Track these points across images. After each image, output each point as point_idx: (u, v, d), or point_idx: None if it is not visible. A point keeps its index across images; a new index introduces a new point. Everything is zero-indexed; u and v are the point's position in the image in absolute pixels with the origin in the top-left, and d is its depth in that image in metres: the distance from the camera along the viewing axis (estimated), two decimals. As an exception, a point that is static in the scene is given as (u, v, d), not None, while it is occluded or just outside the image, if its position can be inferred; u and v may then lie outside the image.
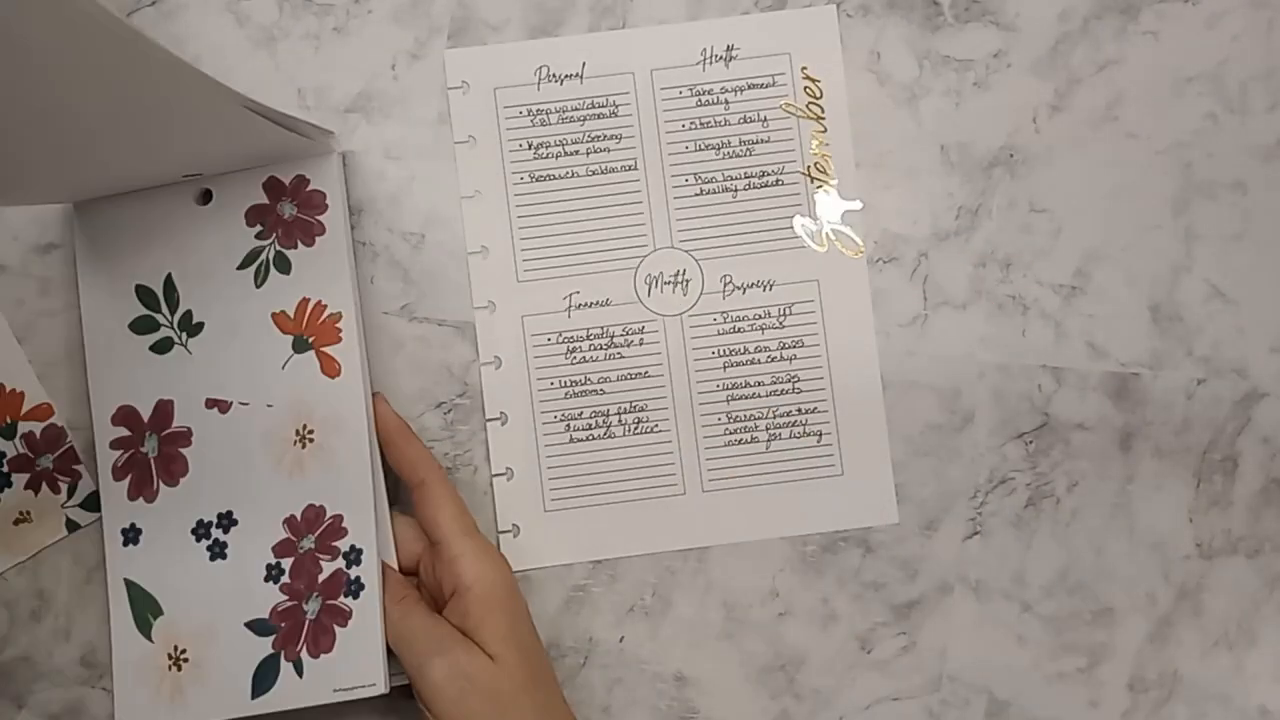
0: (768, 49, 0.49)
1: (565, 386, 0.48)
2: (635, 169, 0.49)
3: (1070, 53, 0.49)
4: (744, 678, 0.48)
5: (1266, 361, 0.49)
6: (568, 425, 0.48)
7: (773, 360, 0.49)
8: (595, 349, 0.48)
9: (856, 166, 0.49)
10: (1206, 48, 0.49)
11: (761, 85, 0.49)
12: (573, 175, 0.49)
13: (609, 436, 0.48)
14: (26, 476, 0.47)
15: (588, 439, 0.48)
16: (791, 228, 0.49)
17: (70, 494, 0.47)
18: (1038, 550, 0.49)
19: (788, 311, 0.49)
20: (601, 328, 0.48)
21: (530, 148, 0.49)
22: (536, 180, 0.49)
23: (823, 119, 0.49)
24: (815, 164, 0.49)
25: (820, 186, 0.49)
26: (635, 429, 0.48)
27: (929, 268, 0.49)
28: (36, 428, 0.47)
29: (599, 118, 0.49)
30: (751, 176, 0.49)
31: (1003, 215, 0.49)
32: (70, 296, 0.48)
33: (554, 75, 0.49)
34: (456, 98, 0.49)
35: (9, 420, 0.47)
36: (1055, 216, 0.49)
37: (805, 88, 0.49)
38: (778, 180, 0.49)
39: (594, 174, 0.49)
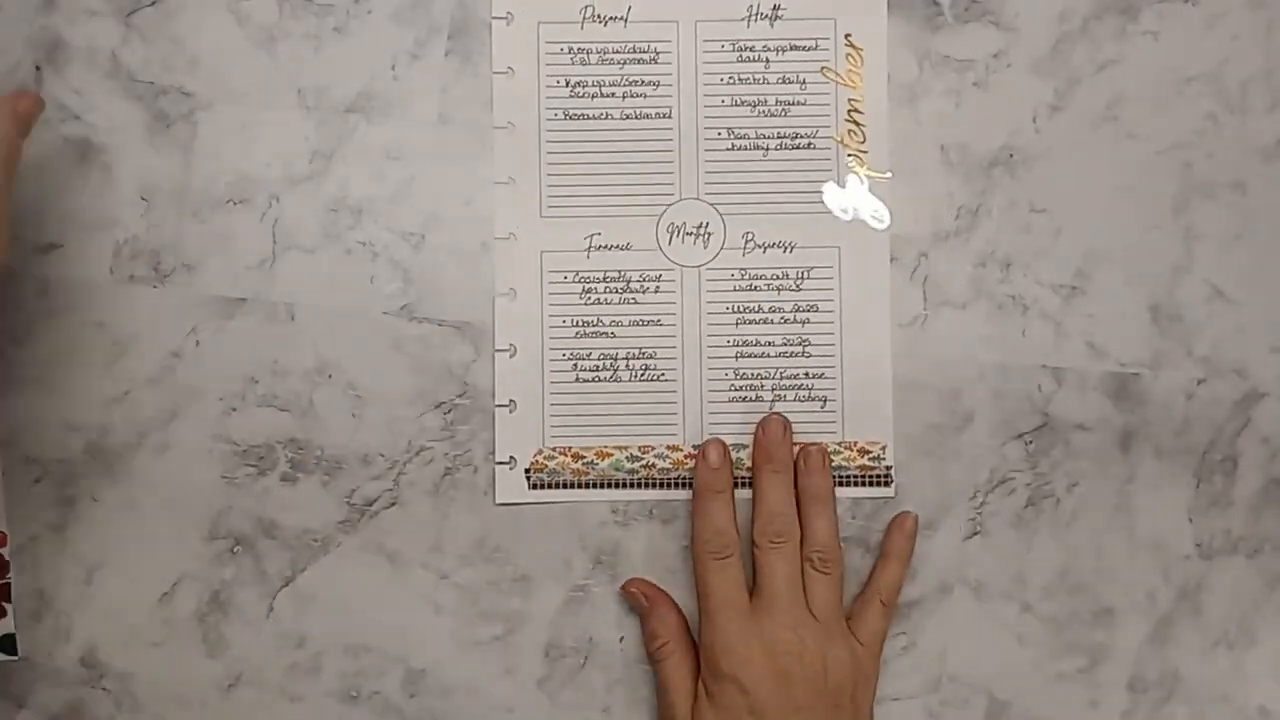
0: (813, 12, 0.49)
1: (577, 326, 0.49)
2: (669, 117, 0.49)
3: (1070, 53, 0.49)
4: (744, 678, 0.48)
5: (1266, 361, 0.49)
6: (575, 364, 0.48)
7: (786, 322, 0.49)
8: (611, 292, 0.49)
9: (889, 138, 0.49)
10: (1206, 48, 0.49)
11: (804, 48, 0.49)
12: (607, 117, 0.49)
13: (615, 380, 0.48)
14: None
15: (594, 380, 0.48)
16: (819, 192, 0.49)
17: None
18: (1038, 550, 0.49)
19: (806, 275, 0.49)
20: (619, 271, 0.49)
21: (567, 85, 0.49)
22: (570, 118, 0.49)
23: (860, 87, 0.49)
24: (849, 132, 0.49)
25: (851, 155, 0.49)
26: (642, 375, 0.48)
27: (929, 268, 0.49)
28: None
29: (639, 63, 0.49)
30: (784, 137, 0.49)
31: (1003, 215, 0.49)
32: (71, 297, 0.48)
33: (599, 16, 0.49)
34: (500, 28, 0.49)
35: None
36: (1055, 216, 0.49)
37: (847, 55, 0.49)
38: (810, 144, 0.49)
39: (628, 118, 0.49)
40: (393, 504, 0.48)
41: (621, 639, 0.49)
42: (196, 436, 0.48)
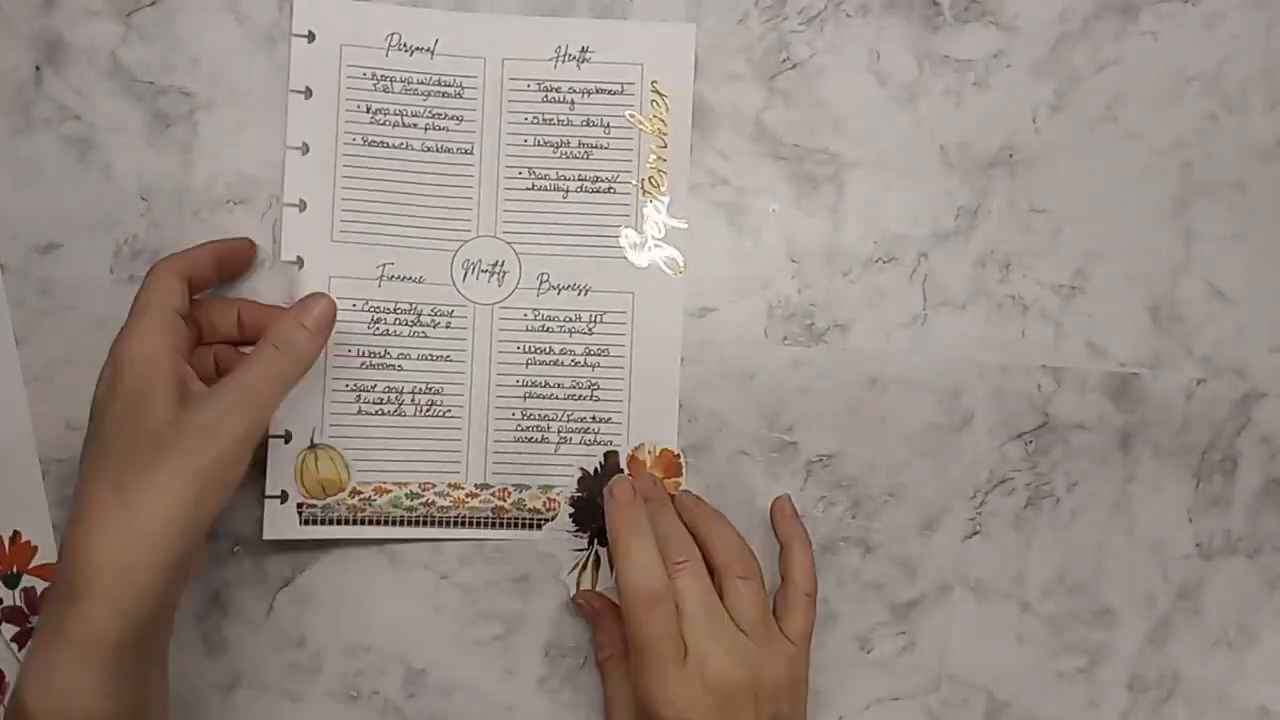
0: (622, 56, 0.48)
1: (363, 356, 0.47)
2: (470, 153, 0.48)
3: (1070, 53, 0.49)
4: (744, 678, 0.48)
5: (1266, 361, 0.49)
6: (358, 396, 0.47)
7: (575, 365, 0.48)
8: (400, 324, 0.48)
9: (690, 186, 0.49)
10: (1206, 48, 0.49)
11: (610, 91, 0.48)
12: (407, 147, 0.48)
13: (399, 414, 0.47)
14: (15, 630, 0.47)
15: (377, 413, 0.47)
16: (616, 237, 0.48)
17: None
18: (1038, 550, 0.49)
19: (599, 319, 0.48)
20: (410, 304, 0.48)
21: (368, 111, 0.48)
22: (369, 144, 0.48)
23: (664, 134, 0.48)
24: (650, 178, 0.48)
25: (651, 201, 0.48)
26: (427, 411, 0.48)
27: (929, 268, 0.49)
28: (39, 585, 0.47)
29: (443, 96, 0.48)
30: (585, 180, 0.48)
31: (1003, 215, 0.49)
32: (71, 297, 0.48)
33: (405, 45, 0.48)
34: (300, 45, 0.48)
35: (15, 570, 0.47)
36: (1055, 216, 0.49)
37: (652, 101, 0.48)
38: (610, 188, 0.48)
39: (428, 150, 0.48)
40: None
41: (621, 639, 0.49)
42: (196, 436, 0.48)
